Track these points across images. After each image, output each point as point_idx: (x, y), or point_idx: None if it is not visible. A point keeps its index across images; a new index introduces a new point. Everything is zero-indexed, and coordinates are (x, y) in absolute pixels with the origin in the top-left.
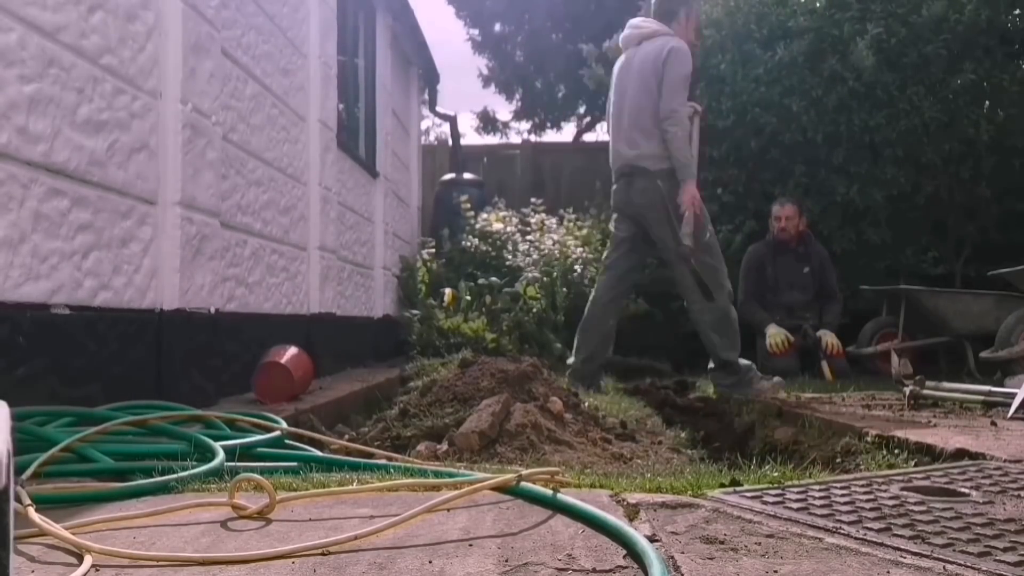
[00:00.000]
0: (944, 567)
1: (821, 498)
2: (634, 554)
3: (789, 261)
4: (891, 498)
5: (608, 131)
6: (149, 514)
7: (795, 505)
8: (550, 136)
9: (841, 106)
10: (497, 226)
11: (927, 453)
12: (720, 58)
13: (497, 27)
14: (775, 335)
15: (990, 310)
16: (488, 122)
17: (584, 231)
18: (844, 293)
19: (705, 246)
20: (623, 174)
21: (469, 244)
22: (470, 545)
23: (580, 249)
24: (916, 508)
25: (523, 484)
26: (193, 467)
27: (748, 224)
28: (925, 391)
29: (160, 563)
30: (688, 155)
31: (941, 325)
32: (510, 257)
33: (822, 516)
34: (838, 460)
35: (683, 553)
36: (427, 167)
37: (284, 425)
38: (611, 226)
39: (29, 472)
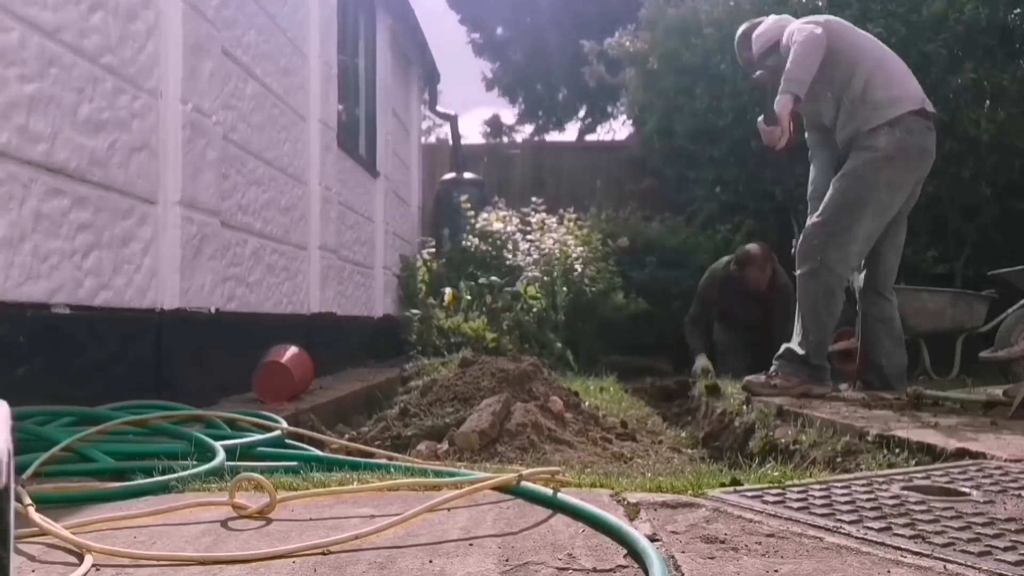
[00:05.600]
0: (944, 566)
1: (822, 497)
2: (634, 553)
3: (748, 302)
4: (892, 497)
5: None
6: (149, 514)
7: (795, 504)
8: (552, 138)
9: None
10: (497, 226)
11: (928, 452)
12: (720, 58)
13: (499, 31)
14: (702, 367)
15: (945, 308)
16: (495, 127)
17: (585, 231)
18: None
19: None
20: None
21: (469, 244)
22: (470, 545)
23: (580, 249)
24: (917, 507)
25: (524, 484)
26: (193, 467)
27: (747, 223)
28: (927, 391)
29: (160, 562)
30: None
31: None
32: (510, 257)
33: (823, 515)
34: (838, 460)
35: (683, 552)
36: (427, 167)
37: (284, 425)
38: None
39: (30, 472)
